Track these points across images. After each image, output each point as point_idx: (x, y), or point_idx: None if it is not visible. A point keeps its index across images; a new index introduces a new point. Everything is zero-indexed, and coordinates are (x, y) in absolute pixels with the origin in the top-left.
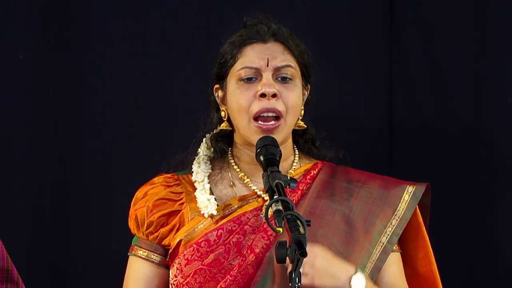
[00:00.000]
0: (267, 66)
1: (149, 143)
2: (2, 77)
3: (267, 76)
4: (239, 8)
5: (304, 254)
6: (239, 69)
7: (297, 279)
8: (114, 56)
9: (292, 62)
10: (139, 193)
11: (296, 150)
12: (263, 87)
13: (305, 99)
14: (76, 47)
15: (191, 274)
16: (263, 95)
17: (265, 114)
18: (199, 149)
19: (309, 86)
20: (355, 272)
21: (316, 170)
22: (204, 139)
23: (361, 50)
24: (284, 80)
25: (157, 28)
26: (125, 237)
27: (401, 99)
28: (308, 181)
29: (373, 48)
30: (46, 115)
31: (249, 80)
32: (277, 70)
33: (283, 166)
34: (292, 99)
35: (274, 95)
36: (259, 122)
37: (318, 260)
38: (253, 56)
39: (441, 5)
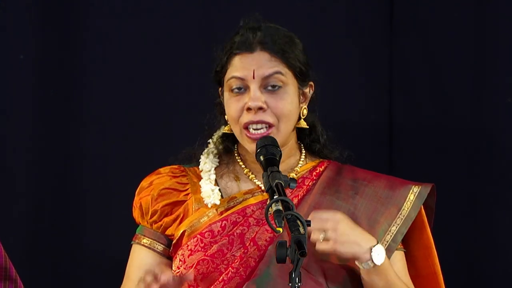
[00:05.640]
0: (253, 78)
1: (150, 143)
2: (2, 77)
3: (253, 88)
4: (239, 8)
5: (304, 254)
6: (228, 79)
7: (297, 279)
8: (114, 56)
9: (280, 68)
10: (144, 182)
11: (302, 149)
12: (249, 101)
13: (308, 98)
14: (76, 47)
15: (194, 265)
16: (250, 109)
17: (254, 126)
18: (209, 141)
19: (311, 84)
20: (377, 243)
21: (322, 167)
22: (213, 136)
23: (361, 50)
24: (274, 88)
25: (157, 28)
26: (125, 237)
27: (401, 99)
28: (314, 178)
29: (373, 48)
30: (46, 115)
31: (238, 90)
32: (264, 79)
33: (288, 164)
34: (282, 108)
35: (260, 108)
36: (250, 130)
37: (341, 225)
38: (239, 66)
39: (441, 5)
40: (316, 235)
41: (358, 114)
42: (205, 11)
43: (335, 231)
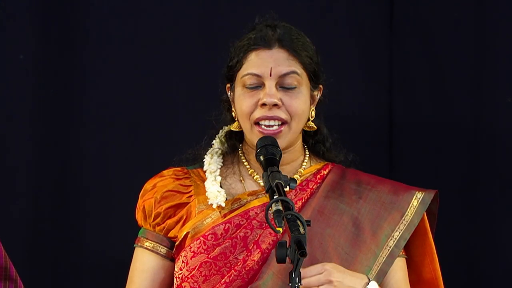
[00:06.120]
0: (270, 75)
1: (150, 143)
2: (2, 77)
3: (270, 85)
4: (239, 8)
5: (304, 254)
6: (243, 75)
7: (297, 279)
8: (114, 56)
9: (297, 68)
10: (148, 185)
11: (306, 150)
12: (264, 97)
13: (316, 101)
14: (76, 47)
15: (197, 267)
16: (264, 105)
17: (267, 122)
18: (213, 142)
19: (320, 87)
20: (369, 281)
21: (327, 170)
22: (218, 134)
23: (361, 50)
24: (289, 87)
25: (157, 28)
26: (125, 237)
27: (401, 99)
28: (318, 181)
29: (373, 48)
30: (46, 115)
31: (253, 87)
32: (281, 78)
33: (292, 165)
34: (296, 107)
35: (275, 104)
36: (262, 127)
37: (335, 276)
38: (256, 63)
39: (441, 5)
40: None
41: (358, 114)
42: (205, 11)
43: (330, 284)
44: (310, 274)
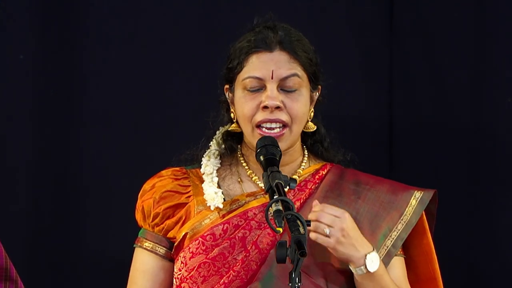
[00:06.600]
0: (272, 78)
1: (150, 143)
2: (2, 77)
3: (271, 87)
4: (239, 8)
5: (304, 254)
6: (244, 78)
7: (297, 279)
8: (114, 56)
9: (298, 70)
10: (146, 185)
11: (305, 151)
12: (266, 99)
13: (314, 101)
14: (76, 47)
15: (195, 268)
16: (266, 107)
17: (269, 125)
18: (210, 144)
19: (319, 87)
20: (372, 250)
21: (325, 170)
22: (215, 135)
23: (361, 50)
24: (290, 90)
25: (157, 28)
26: (125, 237)
27: (401, 99)
28: (317, 181)
29: (373, 48)
30: (46, 115)
31: (254, 90)
32: (282, 80)
33: (291, 166)
34: (297, 110)
35: (277, 107)
36: (263, 129)
37: (347, 226)
38: (258, 66)
39: (441, 5)
40: (321, 229)
41: (358, 114)
42: (206, 11)
43: (341, 230)
44: (328, 212)
